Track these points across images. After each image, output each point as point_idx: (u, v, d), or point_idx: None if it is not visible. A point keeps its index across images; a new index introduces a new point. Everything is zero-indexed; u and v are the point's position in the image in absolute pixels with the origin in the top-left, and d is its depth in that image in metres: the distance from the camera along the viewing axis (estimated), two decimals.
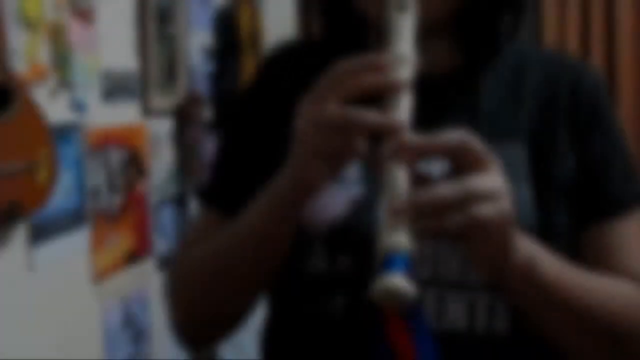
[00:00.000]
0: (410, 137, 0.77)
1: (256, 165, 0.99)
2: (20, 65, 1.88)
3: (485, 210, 0.75)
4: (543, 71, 1.01)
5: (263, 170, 0.93)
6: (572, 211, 0.96)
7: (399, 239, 0.74)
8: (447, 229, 0.76)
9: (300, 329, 0.98)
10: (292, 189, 0.85)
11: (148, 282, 2.63)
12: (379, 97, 0.80)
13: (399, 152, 0.77)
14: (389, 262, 0.74)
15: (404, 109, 0.79)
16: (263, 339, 1.06)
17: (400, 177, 0.76)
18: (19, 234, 1.92)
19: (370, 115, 0.77)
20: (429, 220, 0.76)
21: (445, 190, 0.75)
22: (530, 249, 0.84)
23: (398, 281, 0.73)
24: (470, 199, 0.75)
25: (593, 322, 0.90)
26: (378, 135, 0.79)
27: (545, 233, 0.91)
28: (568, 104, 0.99)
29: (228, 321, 1.02)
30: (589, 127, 0.99)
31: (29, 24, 1.91)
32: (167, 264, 2.74)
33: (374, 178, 0.91)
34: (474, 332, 0.91)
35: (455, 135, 0.77)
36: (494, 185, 0.76)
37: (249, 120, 1.06)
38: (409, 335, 0.84)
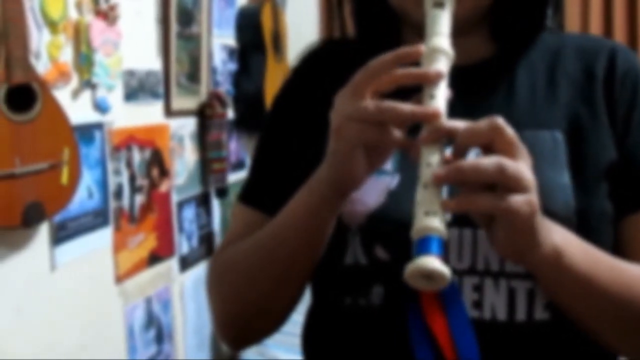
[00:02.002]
0: (446, 121, 0.78)
1: (295, 165, 0.99)
2: (43, 66, 1.89)
3: (515, 200, 0.75)
4: (577, 54, 1.00)
5: (302, 170, 0.93)
6: (612, 197, 0.95)
7: (433, 222, 0.74)
8: (477, 209, 0.77)
9: (341, 320, 0.97)
10: (331, 184, 0.85)
11: (171, 282, 2.63)
12: (415, 90, 0.81)
13: (434, 136, 0.77)
14: (423, 245, 0.74)
15: (440, 100, 0.79)
16: (304, 331, 1.06)
17: (435, 163, 0.77)
18: (42, 234, 1.93)
19: (405, 106, 0.78)
20: (461, 197, 0.76)
21: (481, 159, 0.76)
22: (558, 238, 0.83)
23: (434, 263, 0.73)
24: (502, 175, 0.75)
25: (624, 312, 0.88)
26: (415, 127, 0.79)
27: (586, 219, 0.91)
28: (604, 84, 0.98)
29: (268, 316, 1.01)
30: (628, 106, 0.97)
31: (52, 25, 1.92)
32: (189, 263, 2.75)
33: (410, 168, 0.91)
34: (514, 322, 0.90)
35: (488, 119, 0.77)
36: (525, 172, 0.76)
37: (286, 119, 1.06)
38: (444, 316, 0.86)
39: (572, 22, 3.56)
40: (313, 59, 1.09)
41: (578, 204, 0.91)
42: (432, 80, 0.79)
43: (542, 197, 0.79)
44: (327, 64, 1.05)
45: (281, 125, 1.06)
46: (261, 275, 0.96)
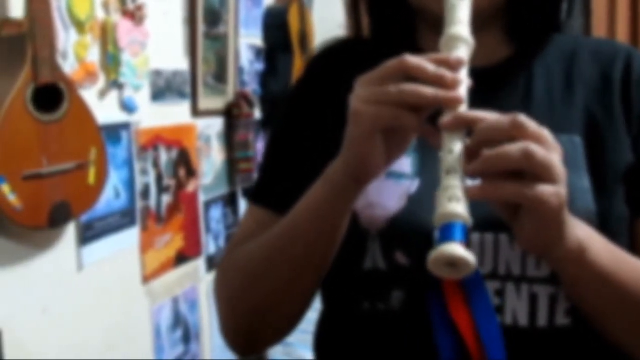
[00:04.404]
0: (469, 111, 0.77)
1: (305, 163, 0.98)
2: (70, 66, 1.90)
3: (544, 189, 0.73)
4: (593, 58, 1.00)
5: (312, 168, 0.91)
6: (628, 198, 0.94)
7: (456, 208, 0.72)
8: (502, 197, 0.74)
9: (358, 325, 0.96)
10: (348, 170, 0.83)
11: (198, 282, 2.63)
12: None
13: (456, 124, 0.76)
14: (447, 231, 0.72)
15: (461, 87, 0.78)
16: (318, 337, 1.04)
17: (457, 150, 0.75)
18: (69, 234, 1.93)
19: (428, 89, 0.76)
20: (486, 184, 0.74)
21: (508, 145, 0.74)
22: (583, 234, 0.82)
23: (458, 249, 0.71)
24: (530, 162, 0.73)
25: None
26: (434, 116, 0.78)
27: (606, 222, 0.90)
28: (621, 87, 0.97)
29: (277, 317, 0.99)
30: None
31: (79, 25, 1.92)
32: (216, 263, 2.75)
33: (430, 172, 0.90)
34: (536, 327, 0.90)
35: (510, 115, 0.75)
36: (555, 162, 0.74)
37: (298, 118, 1.05)
38: (468, 306, 0.85)
39: (599, 27, 3.54)
40: (326, 58, 1.08)
41: (598, 207, 0.90)
42: (453, 67, 0.78)
43: None
44: (340, 63, 1.04)
45: (292, 124, 1.05)
46: (273, 272, 0.94)
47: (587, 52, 1.01)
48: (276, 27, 3.13)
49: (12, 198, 1.63)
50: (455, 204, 0.72)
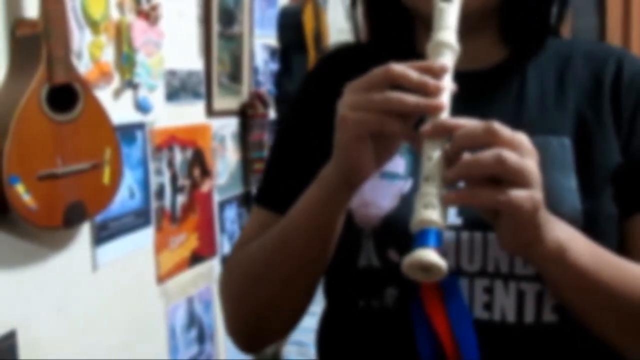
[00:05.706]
0: (449, 118, 0.79)
1: (307, 164, 0.99)
2: (84, 66, 1.90)
3: (517, 194, 0.75)
4: (586, 61, 1.01)
5: (314, 169, 0.93)
6: (617, 199, 0.95)
7: (431, 215, 0.75)
8: (477, 202, 0.77)
9: (354, 322, 0.99)
10: (338, 175, 0.86)
11: (212, 282, 2.63)
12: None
13: (436, 132, 0.78)
14: (421, 237, 0.75)
15: (444, 93, 0.80)
16: (319, 334, 1.07)
17: (436, 157, 0.78)
18: (83, 234, 1.93)
19: (410, 97, 0.79)
20: (463, 191, 0.77)
21: (482, 152, 0.76)
22: (563, 235, 0.83)
23: (430, 255, 0.74)
24: (503, 167, 0.75)
25: (627, 309, 0.88)
26: (421, 121, 0.80)
27: (594, 222, 0.92)
28: (611, 90, 0.98)
29: (278, 316, 1.01)
30: (633, 110, 0.98)
31: (93, 25, 1.92)
32: None
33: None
34: (523, 324, 0.92)
35: (484, 123, 0.77)
36: (529, 167, 0.76)
37: (301, 120, 1.07)
38: (444, 308, 0.88)
39: (614, 28, 3.54)
40: (327, 63, 1.11)
41: (585, 207, 0.92)
42: (436, 73, 0.80)
43: (550, 200, 0.80)
44: (343, 67, 1.05)
45: (295, 127, 1.08)
46: (271, 273, 0.97)
47: (581, 55, 1.02)
48: (291, 26, 3.13)
49: (27, 198, 1.63)
50: (430, 210, 0.75)
